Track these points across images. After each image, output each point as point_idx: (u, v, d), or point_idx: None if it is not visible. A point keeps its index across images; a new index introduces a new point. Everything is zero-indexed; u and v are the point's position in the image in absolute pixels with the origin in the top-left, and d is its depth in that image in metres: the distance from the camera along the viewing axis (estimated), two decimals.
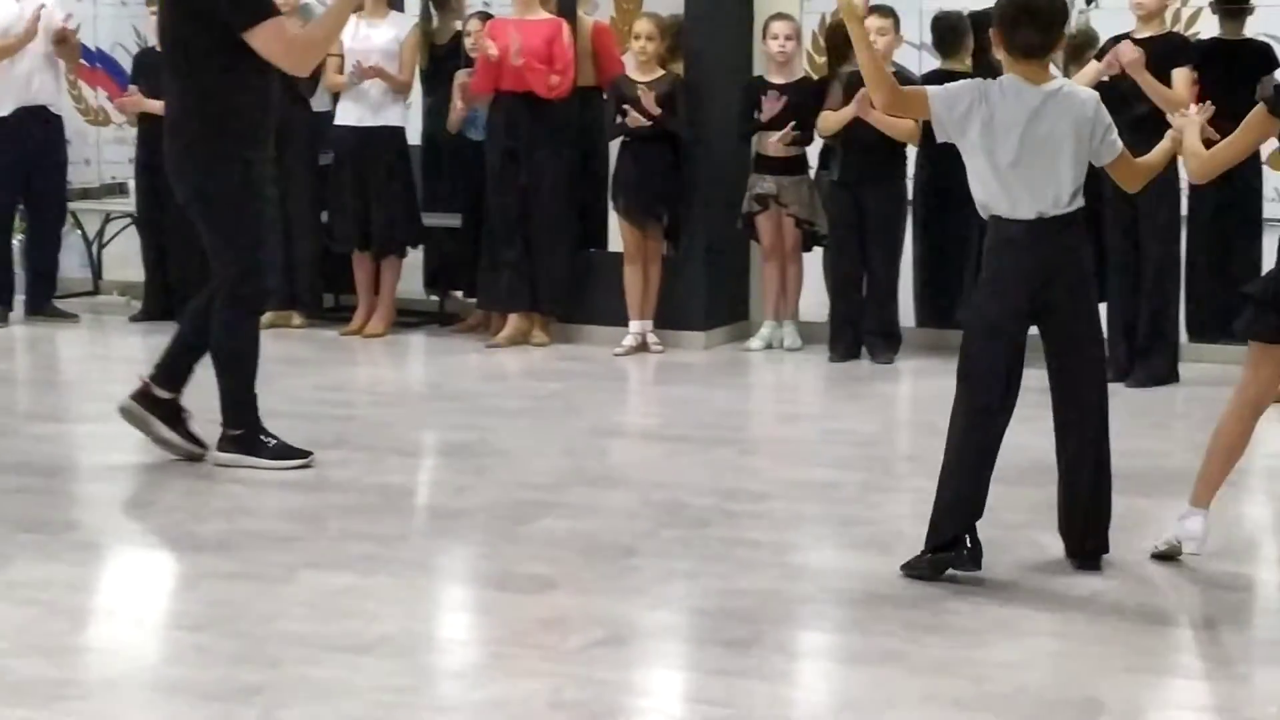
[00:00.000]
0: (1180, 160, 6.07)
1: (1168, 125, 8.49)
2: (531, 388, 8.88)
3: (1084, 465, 5.63)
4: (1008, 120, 5.48)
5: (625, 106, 9.57)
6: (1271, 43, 9.97)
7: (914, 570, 5.53)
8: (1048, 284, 5.50)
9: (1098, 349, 5.71)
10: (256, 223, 6.91)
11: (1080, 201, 5.54)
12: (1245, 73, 9.52)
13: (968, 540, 5.56)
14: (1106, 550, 5.67)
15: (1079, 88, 5.73)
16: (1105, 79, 8.85)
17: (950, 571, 5.51)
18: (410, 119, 10.71)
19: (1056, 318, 5.55)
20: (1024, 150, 5.47)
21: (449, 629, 5.26)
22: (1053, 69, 5.82)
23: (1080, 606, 5.28)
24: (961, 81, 5.65)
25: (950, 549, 5.55)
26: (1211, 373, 9.01)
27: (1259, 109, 5.56)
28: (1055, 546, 5.81)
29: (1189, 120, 5.79)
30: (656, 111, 9.53)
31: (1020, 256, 5.51)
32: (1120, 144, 5.62)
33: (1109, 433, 5.67)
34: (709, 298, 9.97)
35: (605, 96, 9.95)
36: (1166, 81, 8.61)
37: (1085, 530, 5.66)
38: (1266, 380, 5.66)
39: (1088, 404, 5.61)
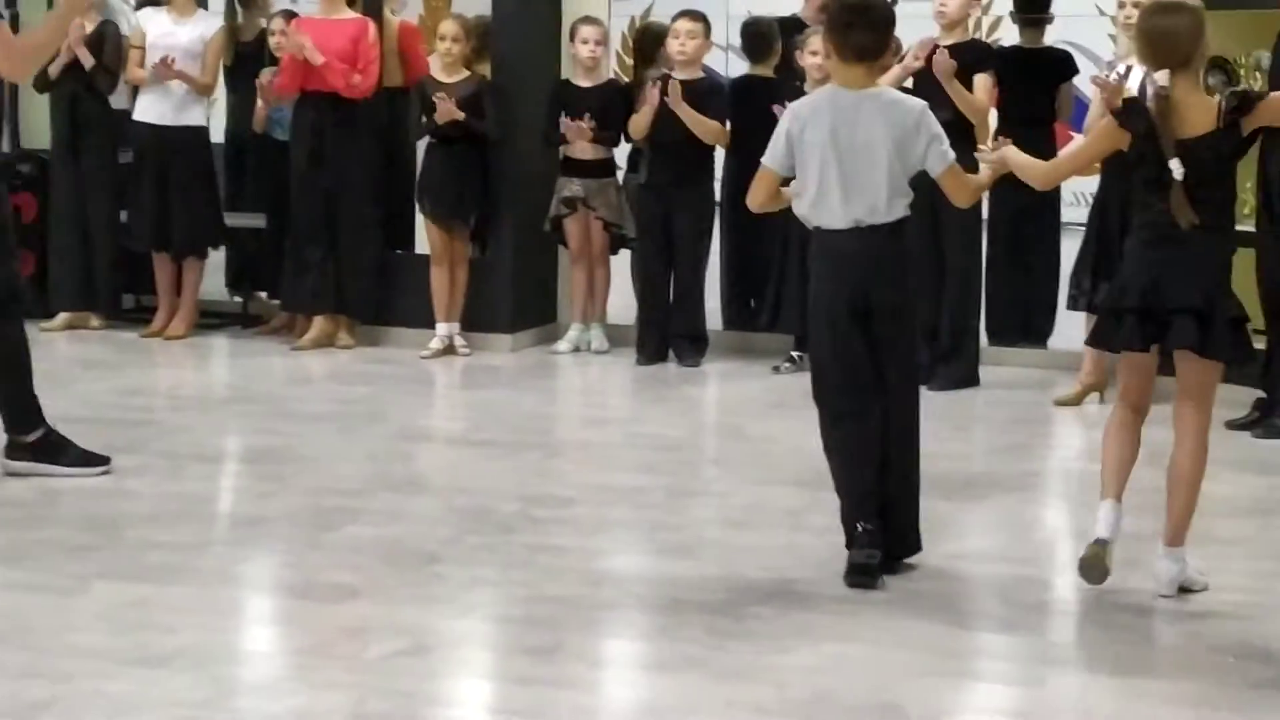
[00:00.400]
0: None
1: (971, 131, 8.72)
2: (336, 391, 8.78)
3: (893, 469, 5.66)
4: (823, 129, 5.53)
5: (436, 99, 9.48)
6: (1070, 50, 10.18)
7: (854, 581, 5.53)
8: (865, 292, 5.54)
9: (912, 355, 5.78)
10: None
11: (902, 211, 5.56)
12: (1044, 80, 9.73)
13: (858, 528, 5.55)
14: (919, 549, 5.72)
15: (906, 96, 5.75)
16: (907, 85, 8.97)
17: (755, 576, 5.54)
18: (214, 117, 10.55)
19: (875, 325, 5.58)
20: (839, 157, 5.52)
21: (249, 640, 5.18)
22: None
23: (882, 611, 5.32)
24: (777, 126, 5.66)
25: (850, 546, 5.58)
26: (1011, 376, 9.17)
27: (1107, 120, 5.57)
28: None
29: (1005, 149, 5.74)
30: (460, 115, 9.45)
31: (839, 264, 5.56)
32: (952, 155, 5.59)
33: (919, 438, 5.74)
34: (516, 300, 9.93)
35: (411, 97, 9.86)
36: (969, 87, 8.72)
37: (898, 536, 5.67)
38: (1135, 384, 5.60)
39: (901, 408, 5.66)
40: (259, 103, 10.17)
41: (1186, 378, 5.48)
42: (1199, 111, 5.33)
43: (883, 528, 5.56)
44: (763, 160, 5.67)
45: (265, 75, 10.14)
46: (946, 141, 5.60)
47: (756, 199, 5.74)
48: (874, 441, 5.60)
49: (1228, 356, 5.43)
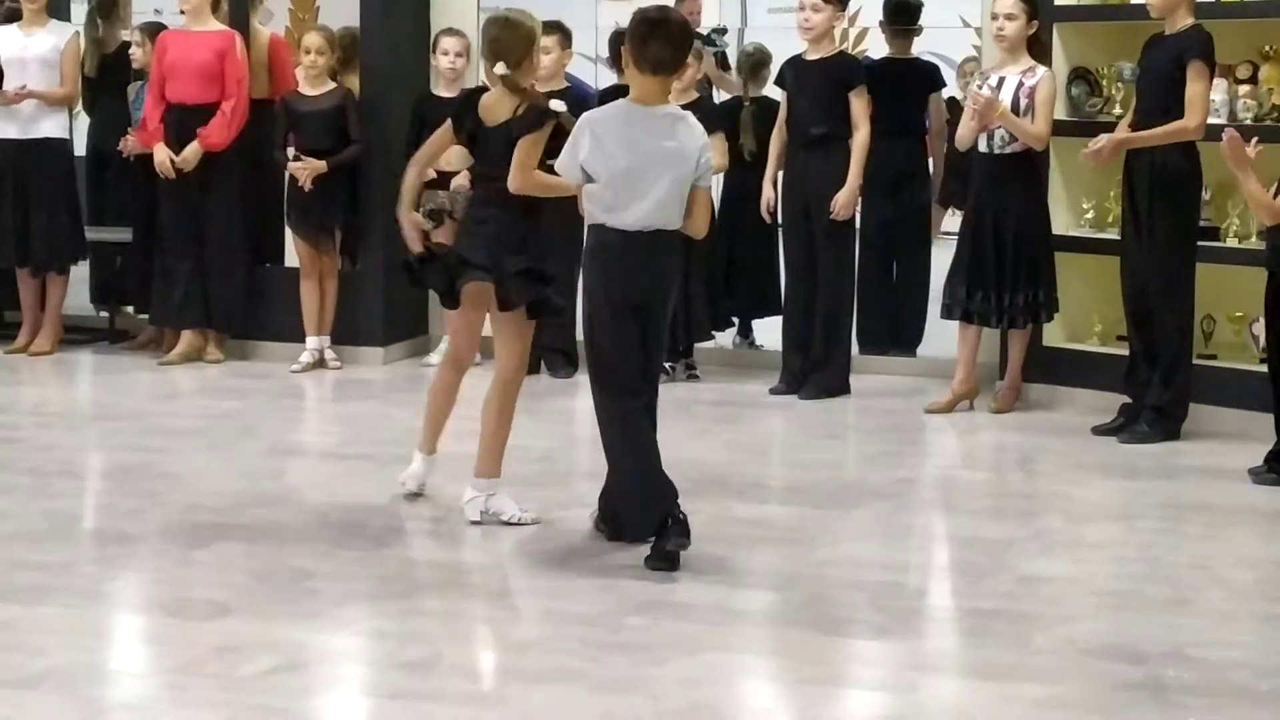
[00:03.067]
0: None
1: (845, 145, 8.83)
2: (205, 406, 8.69)
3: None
4: (614, 139, 5.84)
5: (293, 168, 9.48)
6: (936, 62, 10.28)
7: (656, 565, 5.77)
8: (637, 289, 5.87)
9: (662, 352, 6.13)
10: None
11: (679, 221, 5.89)
12: (913, 91, 9.82)
13: (670, 520, 5.78)
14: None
15: (689, 119, 6.02)
16: (781, 98, 9.06)
17: (631, 587, 5.56)
18: (76, 130, 10.42)
19: (644, 320, 5.91)
20: (627, 169, 5.82)
21: (119, 660, 5.11)
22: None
23: (757, 620, 5.36)
24: (571, 135, 5.97)
25: (661, 535, 5.78)
26: (882, 384, 9.24)
27: (447, 124, 6.44)
28: (732, 559, 5.90)
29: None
30: (319, 171, 9.46)
31: (614, 262, 5.89)
32: (709, 180, 6.03)
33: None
34: (387, 313, 9.88)
35: (276, 114, 9.77)
36: (841, 100, 8.78)
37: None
38: (462, 336, 6.66)
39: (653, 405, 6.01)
40: (127, 138, 10.07)
41: (496, 339, 6.45)
42: (507, 103, 6.25)
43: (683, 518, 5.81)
44: (561, 169, 5.99)
45: (133, 90, 10.06)
46: (709, 172, 6.00)
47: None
48: (652, 423, 5.94)
49: (514, 304, 6.26)
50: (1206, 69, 7.73)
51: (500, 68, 6.31)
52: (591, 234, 5.97)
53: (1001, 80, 8.37)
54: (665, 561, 5.71)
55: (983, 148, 8.42)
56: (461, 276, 6.34)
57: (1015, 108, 8.26)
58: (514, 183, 6.23)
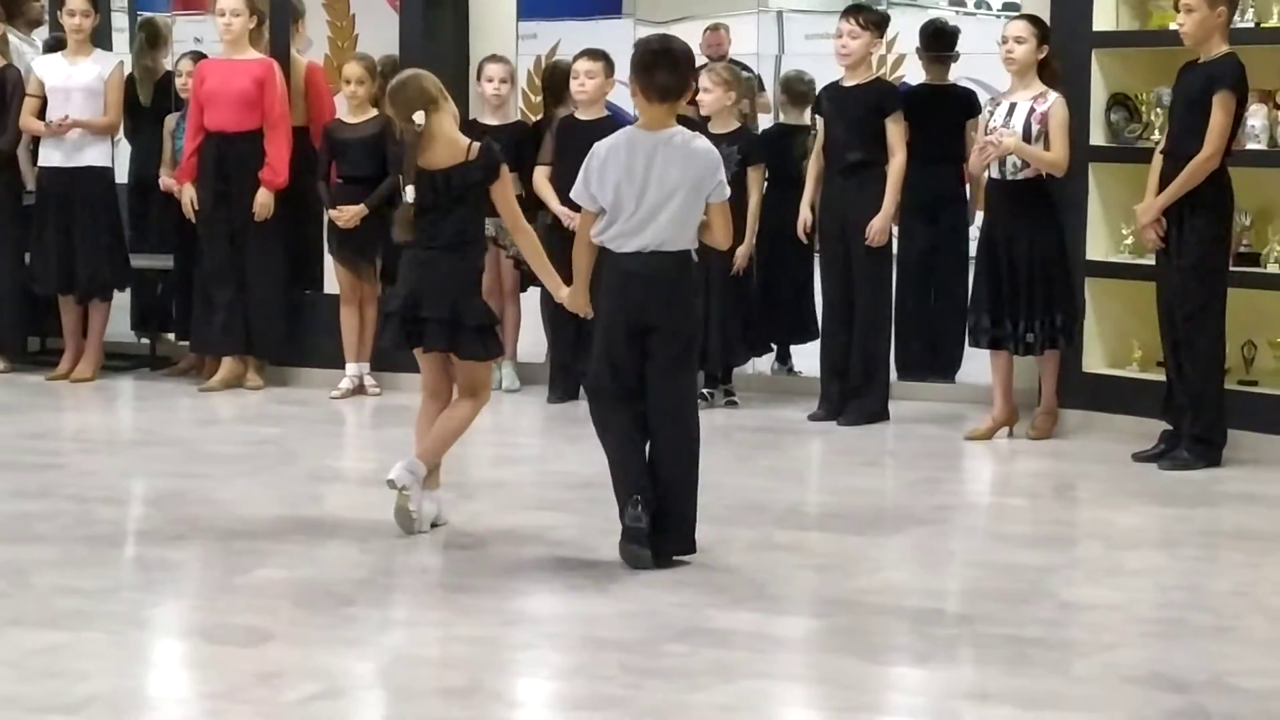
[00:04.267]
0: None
1: (881, 171, 8.84)
2: (246, 432, 8.73)
3: (675, 480, 6.11)
4: (621, 167, 6.02)
5: (333, 214, 9.58)
6: (973, 88, 10.27)
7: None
8: (646, 311, 6.06)
9: (690, 372, 6.27)
10: None
11: (689, 242, 6.09)
12: (950, 117, 9.81)
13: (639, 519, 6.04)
14: (693, 550, 6.13)
15: (699, 140, 6.18)
16: (817, 126, 9.07)
17: (670, 613, 5.56)
18: (118, 158, 10.49)
19: (652, 341, 6.08)
20: (636, 193, 6.01)
21: (161, 685, 5.13)
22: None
23: (796, 647, 5.35)
24: (584, 165, 6.13)
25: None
26: (921, 410, 9.22)
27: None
28: (771, 585, 5.90)
29: None
30: (358, 218, 9.54)
31: (624, 283, 6.08)
32: (726, 193, 6.12)
33: (697, 458, 6.17)
34: None
35: (318, 145, 9.82)
36: (878, 126, 8.79)
37: (670, 533, 6.09)
38: (432, 375, 6.67)
39: (674, 429, 6.12)
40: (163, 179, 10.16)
41: (459, 375, 6.59)
42: (448, 147, 6.43)
43: (651, 503, 6.04)
44: (576, 197, 6.20)
45: (170, 121, 10.14)
46: (724, 183, 6.11)
47: (582, 238, 6.22)
48: (637, 428, 6.12)
49: (479, 356, 6.53)
50: (1233, 99, 7.68)
51: (419, 116, 6.41)
52: (603, 256, 6.17)
53: (1013, 106, 8.35)
54: (629, 540, 6.06)
55: (994, 174, 8.41)
56: (417, 341, 6.55)
57: (1027, 134, 8.24)
58: (518, 235, 6.64)
